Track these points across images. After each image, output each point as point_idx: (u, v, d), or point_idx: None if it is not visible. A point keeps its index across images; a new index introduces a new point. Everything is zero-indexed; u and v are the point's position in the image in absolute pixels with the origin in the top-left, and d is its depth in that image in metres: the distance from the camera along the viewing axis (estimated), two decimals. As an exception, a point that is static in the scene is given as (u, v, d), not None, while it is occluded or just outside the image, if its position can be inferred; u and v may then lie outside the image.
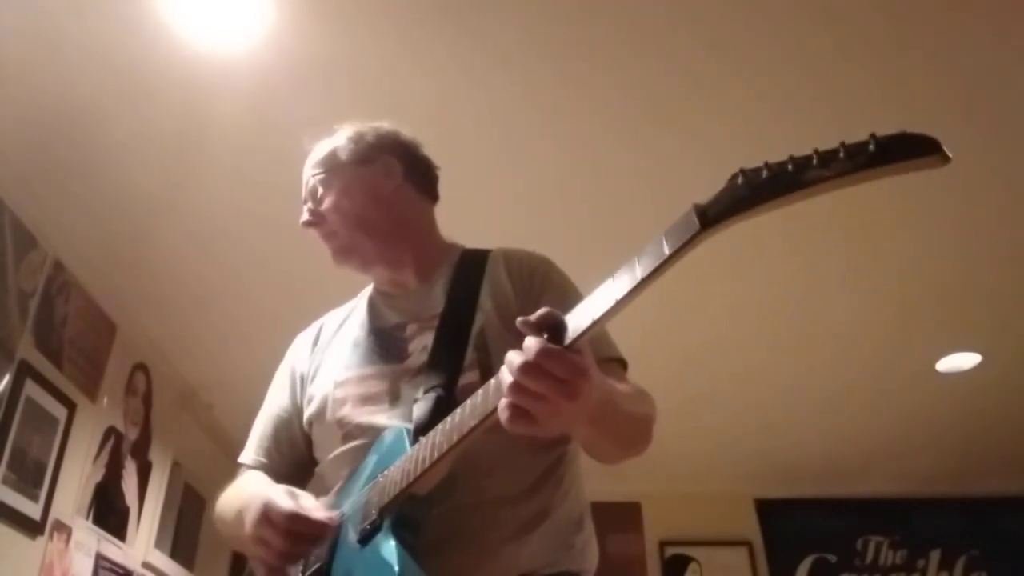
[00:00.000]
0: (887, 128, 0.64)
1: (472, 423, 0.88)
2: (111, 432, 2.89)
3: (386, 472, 1.01)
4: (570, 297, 1.15)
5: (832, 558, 4.28)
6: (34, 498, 2.39)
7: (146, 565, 3.09)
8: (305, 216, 1.29)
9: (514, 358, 0.79)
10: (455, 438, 0.90)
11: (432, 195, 1.36)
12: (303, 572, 1.06)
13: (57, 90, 2.08)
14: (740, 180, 0.67)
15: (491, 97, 2.15)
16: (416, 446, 0.97)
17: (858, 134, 0.63)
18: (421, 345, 1.16)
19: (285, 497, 1.03)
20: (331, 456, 1.18)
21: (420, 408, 1.06)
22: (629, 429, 1.01)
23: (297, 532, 1.01)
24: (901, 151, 0.61)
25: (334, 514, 1.05)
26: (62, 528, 2.53)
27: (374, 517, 0.98)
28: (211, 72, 2.04)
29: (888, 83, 2.07)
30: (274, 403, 1.31)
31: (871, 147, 0.62)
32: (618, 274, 0.75)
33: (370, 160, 1.30)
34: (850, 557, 4.28)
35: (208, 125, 2.19)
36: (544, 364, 0.77)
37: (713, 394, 3.57)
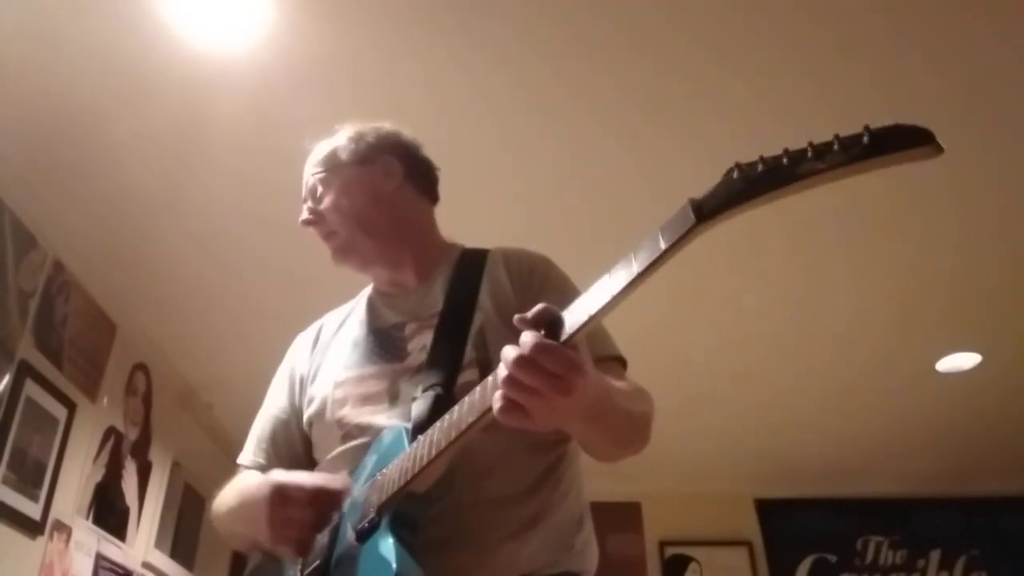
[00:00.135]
0: (883, 120, 0.64)
1: (470, 419, 0.88)
2: (111, 432, 2.89)
3: (384, 471, 1.01)
4: (569, 295, 1.15)
5: (832, 558, 4.28)
6: (34, 498, 2.39)
7: (146, 565, 3.09)
8: (304, 215, 1.30)
9: (509, 352, 0.80)
10: (453, 435, 0.90)
11: (432, 196, 1.36)
12: (302, 571, 1.06)
13: (57, 90, 2.08)
14: (736, 174, 0.67)
15: (491, 97, 2.15)
16: (414, 444, 0.98)
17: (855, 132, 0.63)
18: (420, 344, 1.16)
19: (294, 476, 1.06)
20: (330, 456, 1.18)
21: (419, 407, 1.06)
22: (626, 427, 1.01)
23: (323, 501, 1.03)
24: (895, 142, 0.61)
25: (346, 479, 1.06)
26: (62, 528, 2.53)
27: (372, 515, 0.98)
28: (211, 72, 2.04)
29: (888, 83, 2.07)
30: (273, 404, 1.31)
31: (865, 139, 0.62)
32: (615, 270, 0.75)
33: (370, 160, 1.30)
34: (850, 557, 4.28)
35: (208, 125, 2.19)
36: (538, 358, 0.78)
37: (713, 394, 3.57)
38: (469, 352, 1.10)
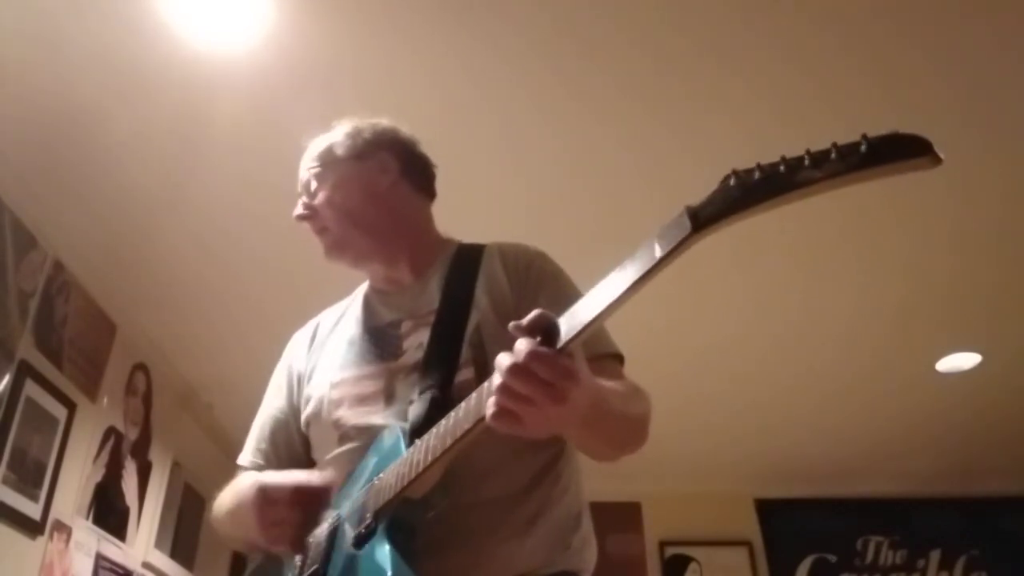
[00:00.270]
0: (884, 126, 0.64)
1: (465, 426, 0.88)
2: (111, 432, 2.89)
3: (382, 475, 1.01)
4: (566, 293, 1.15)
5: (832, 558, 4.28)
6: (34, 498, 2.39)
7: (146, 565, 3.09)
8: (299, 209, 1.29)
9: (503, 360, 0.80)
10: (448, 442, 0.90)
11: (429, 193, 1.35)
12: (300, 573, 1.06)
13: (57, 90, 2.08)
14: (732, 181, 0.67)
15: (492, 98, 2.15)
16: (411, 449, 0.97)
17: (857, 134, 0.63)
18: (416, 342, 1.15)
19: (278, 476, 1.08)
20: (328, 457, 1.17)
21: (415, 409, 1.05)
22: (622, 430, 1.00)
23: (304, 502, 1.04)
24: (893, 152, 0.61)
25: (329, 475, 1.08)
26: (62, 528, 2.53)
27: (369, 520, 0.98)
28: (211, 72, 2.04)
29: (889, 83, 2.07)
30: (271, 405, 1.31)
31: (863, 148, 0.61)
32: (611, 277, 0.75)
33: (366, 156, 1.30)
34: (850, 557, 4.28)
35: (208, 125, 2.19)
36: (532, 367, 0.77)
37: (713, 394, 3.57)
38: (465, 350, 1.10)
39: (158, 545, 3.22)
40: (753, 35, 1.97)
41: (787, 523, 4.35)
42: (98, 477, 2.79)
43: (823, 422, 3.81)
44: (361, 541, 0.98)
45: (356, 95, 2.10)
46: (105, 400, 2.85)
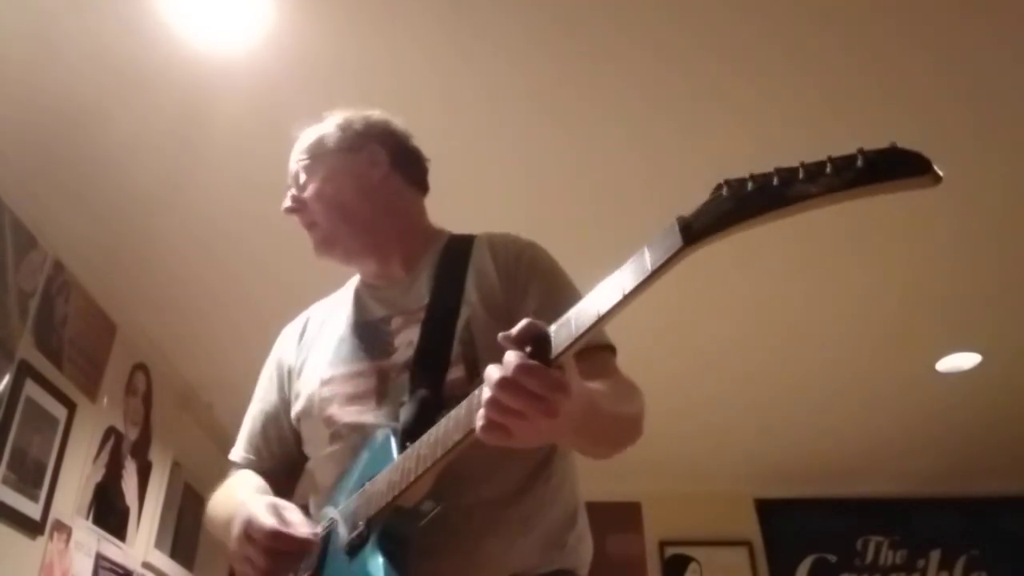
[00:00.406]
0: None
1: (456, 438, 0.87)
2: (111, 432, 2.89)
3: (373, 480, 1.00)
4: (557, 287, 1.14)
5: (832, 558, 4.28)
6: (34, 498, 2.39)
7: (146, 565, 3.09)
8: (287, 202, 1.27)
9: (493, 372, 0.78)
10: (439, 452, 0.89)
11: (421, 186, 1.33)
12: None
13: (57, 90, 2.08)
14: (725, 192, 0.65)
15: (495, 97, 2.14)
16: (402, 456, 0.96)
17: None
18: (407, 340, 1.14)
19: (267, 514, 1.00)
20: (320, 455, 1.17)
21: (407, 410, 1.04)
22: (614, 431, 0.99)
23: (278, 550, 0.98)
24: (890, 170, 0.59)
25: (317, 529, 1.04)
26: (62, 528, 2.53)
27: (361, 528, 0.97)
28: (211, 72, 2.04)
29: (890, 82, 2.07)
30: (262, 399, 1.30)
31: (859, 162, 0.60)
32: (602, 286, 0.74)
33: (357, 148, 1.27)
34: (850, 557, 4.28)
35: (208, 125, 2.19)
36: (521, 380, 0.75)
37: (713, 394, 3.56)
38: (456, 348, 1.08)
39: (158, 545, 3.22)
40: (756, 34, 1.97)
41: (787, 523, 4.35)
42: (98, 477, 2.79)
43: (823, 422, 3.81)
44: (354, 548, 0.97)
45: (357, 95, 2.07)
46: (105, 400, 2.85)
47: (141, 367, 3.15)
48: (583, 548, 1.10)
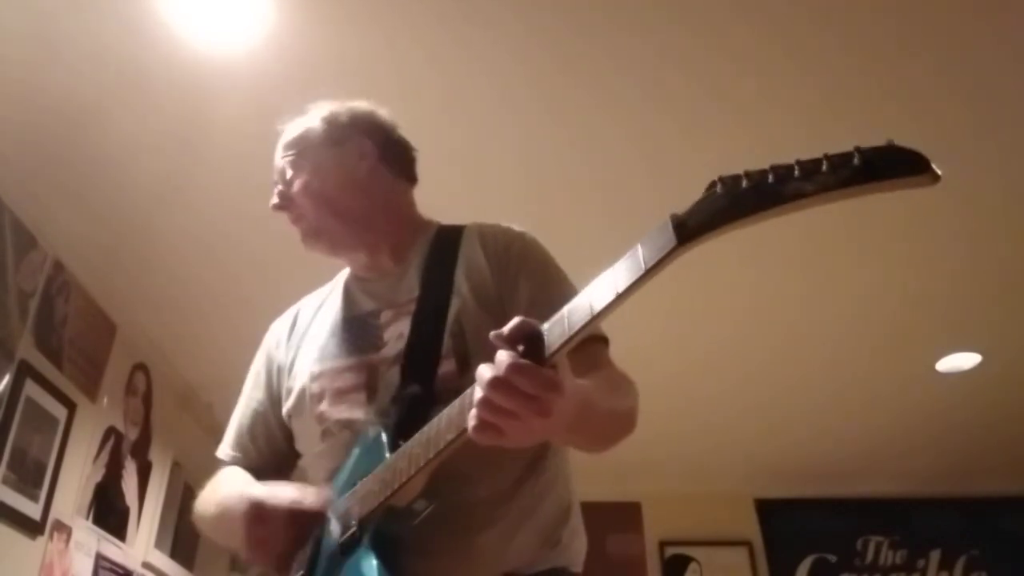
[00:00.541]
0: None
1: (448, 437, 0.86)
2: (111, 432, 2.89)
3: (365, 478, 1.00)
4: (548, 278, 1.13)
5: (832, 558, 4.28)
6: (34, 498, 2.39)
7: (146, 565, 3.09)
8: (274, 199, 1.26)
9: (484, 372, 0.76)
10: (432, 453, 0.88)
11: (409, 177, 1.31)
12: None
13: (57, 90, 2.08)
14: (719, 189, 0.64)
15: (497, 90, 2.14)
16: (394, 455, 0.96)
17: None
18: (397, 333, 1.12)
19: (271, 492, 1.03)
20: (312, 452, 1.16)
21: (398, 407, 1.03)
22: (608, 427, 0.98)
23: (300, 522, 1.00)
24: (887, 168, 0.58)
25: (324, 493, 1.04)
26: (62, 528, 2.53)
27: (354, 528, 0.97)
28: (211, 72, 2.04)
29: (891, 81, 2.07)
30: (250, 396, 1.29)
31: (855, 160, 0.58)
32: (596, 283, 0.73)
33: (343, 141, 1.26)
34: (850, 557, 4.28)
35: (208, 125, 2.19)
36: (513, 380, 0.74)
37: (713, 394, 3.56)
38: (447, 340, 1.07)
39: (158, 545, 3.22)
40: (756, 34, 1.97)
41: (787, 523, 4.35)
42: (98, 477, 2.79)
43: (823, 422, 3.81)
44: (346, 548, 0.97)
45: (357, 95, 2.08)
46: (105, 400, 2.85)
47: (141, 367, 3.15)
48: (577, 544, 1.09)
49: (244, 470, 1.22)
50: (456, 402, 0.87)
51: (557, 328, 0.76)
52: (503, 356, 0.76)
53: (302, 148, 1.26)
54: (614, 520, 4.19)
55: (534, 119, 2.23)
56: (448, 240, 1.21)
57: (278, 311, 1.40)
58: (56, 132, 2.21)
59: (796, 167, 0.60)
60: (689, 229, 0.65)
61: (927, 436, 3.90)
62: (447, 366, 1.05)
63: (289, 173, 1.25)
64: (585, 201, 2.50)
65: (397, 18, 1.94)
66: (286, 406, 1.20)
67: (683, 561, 4.27)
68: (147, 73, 2.03)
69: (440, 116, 2.16)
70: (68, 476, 2.57)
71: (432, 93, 2.12)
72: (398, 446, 0.97)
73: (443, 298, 1.11)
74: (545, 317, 0.78)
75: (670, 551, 4.28)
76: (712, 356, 3.30)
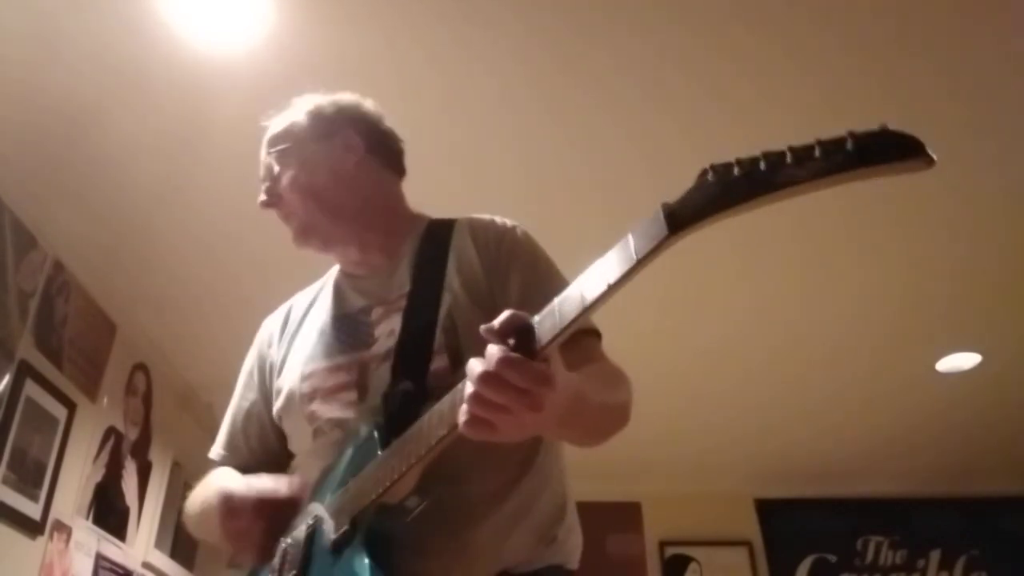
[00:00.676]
0: (884, 121, 0.60)
1: (440, 433, 0.85)
2: (111, 432, 2.89)
3: (358, 477, 0.99)
4: (540, 271, 1.12)
5: (832, 558, 4.28)
6: (34, 498, 2.39)
7: (146, 565, 3.09)
8: (262, 196, 1.23)
9: (475, 366, 0.75)
10: (423, 450, 0.87)
11: (397, 169, 1.29)
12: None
13: (57, 90, 2.08)
14: (710, 177, 0.63)
15: (496, 88, 2.14)
16: (386, 452, 0.95)
17: (858, 128, 0.60)
18: (388, 330, 1.11)
19: (243, 486, 1.03)
20: (304, 451, 1.15)
21: (390, 404, 1.02)
22: (601, 421, 0.97)
23: (270, 511, 1.01)
24: (881, 152, 0.56)
25: (298, 482, 1.05)
26: (62, 528, 2.53)
27: (346, 527, 0.96)
28: (211, 73, 2.04)
29: (889, 80, 2.07)
30: (242, 395, 1.28)
31: (848, 145, 0.57)
32: (587, 274, 0.72)
33: (329, 135, 1.23)
34: (850, 557, 4.28)
35: (208, 125, 2.19)
36: (504, 374, 0.73)
37: (713, 394, 3.56)
38: (439, 336, 1.06)
39: (158, 545, 3.22)
40: (756, 34, 1.97)
41: (787, 523, 4.34)
42: (98, 477, 2.79)
43: (823, 422, 3.81)
44: (339, 547, 0.96)
45: (357, 95, 2.10)
46: (105, 400, 2.85)
47: (141, 367, 3.15)
48: (573, 541, 1.09)
49: (236, 470, 1.21)
50: (447, 397, 0.86)
51: (548, 321, 0.75)
52: (493, 350, 0.75)
53: (288, 143, 1.24)
54: (614, 520, 4.19)
55: (534, 119, 2.23)
56: (439, 235, 1.19)
57: (279, 311, 1.40)
58: (56, 132, 2.21)
59: (788, 153, 0.59)
60: (680, 218, 0.64)
61: (927, 436, 3.90)
62: (439, 362, 1.04)
63: (276, 169, 1.23)
64: (585, 201, 2.50)
65: (397, 18, 1.94)
66: (277, 406, 1.19)
67: (683, 561, 4.27)
68: (147, 73, 2.03)
69: (440, 116, 2.16)
70: (68, 476, 2.57)
71: (432, 93, 2.12)
72: (390, 444, 0.96)
73: (434, 294, 1.10)
74: (536, 310, 0.77)
75: (670, 551, 4.28)
76: (712, 356, 3.30)
